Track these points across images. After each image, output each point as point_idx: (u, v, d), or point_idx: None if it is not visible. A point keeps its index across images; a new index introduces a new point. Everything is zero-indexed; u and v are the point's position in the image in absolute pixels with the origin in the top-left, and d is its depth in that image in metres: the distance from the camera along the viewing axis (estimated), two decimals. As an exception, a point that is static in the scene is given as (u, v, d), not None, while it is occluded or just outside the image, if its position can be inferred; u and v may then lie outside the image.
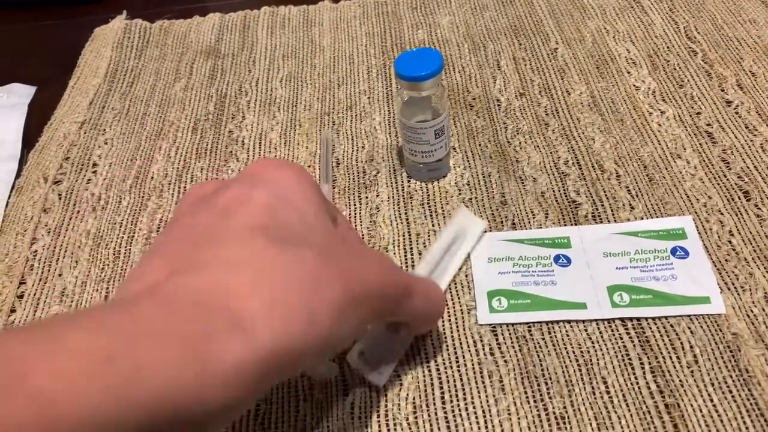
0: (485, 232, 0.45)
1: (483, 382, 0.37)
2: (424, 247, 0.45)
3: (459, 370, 0.38)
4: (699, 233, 0.43)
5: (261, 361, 0.23)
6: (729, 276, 0.40)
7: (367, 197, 0.49)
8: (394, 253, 0.45)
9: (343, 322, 0.26)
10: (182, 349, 0.21)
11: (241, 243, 0.25)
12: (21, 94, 0.63)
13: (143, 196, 0.51)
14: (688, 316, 0.39)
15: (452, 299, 0.41)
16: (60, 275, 0.46)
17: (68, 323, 0.21)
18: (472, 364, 0.38)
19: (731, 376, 0.36)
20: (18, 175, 0.55)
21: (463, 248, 0.43)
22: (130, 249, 0.47)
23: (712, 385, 0.36)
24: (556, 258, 0.42)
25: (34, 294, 0.45)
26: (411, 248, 0.45)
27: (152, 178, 0.53)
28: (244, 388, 0.22)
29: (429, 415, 0.36)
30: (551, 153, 0.50)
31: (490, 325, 0.40)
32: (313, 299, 0.25)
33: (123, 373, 0.20)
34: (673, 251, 0.42)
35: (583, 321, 0.39)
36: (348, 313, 0.27)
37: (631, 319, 0.39)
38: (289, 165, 0.30)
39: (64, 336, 0.20)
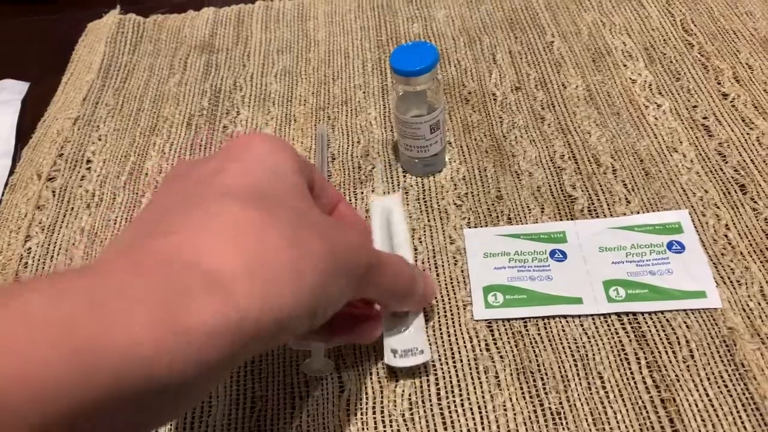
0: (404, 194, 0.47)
1: (479, 378, 0.37)
2: (420, 242, 0.45)
3: (455, 366, 0.38)
4: (695, 227, 0.43)
5: (238, 326, 0.21)
6: (725, 270, 0.40)
7: (362, 192, 0.48)
8: (390, 249, 0.45)
9: (327, 287, 0.25)
10: (151, 311, 0.20)
11: (215, 207, 0.24)
12: (14, 90, 0.63)
13: (137, 193, 0.51)
14: (684, 310, 0.39)
15: (447, 294, 0.41)
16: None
17: (28, 288, 0.20)
18: (468, 360, 0.38)
19: (727, 371, 0.36)
20: (11, 172, 0.55)
21: (397, 224, 0.43)
22: (124, 246, 0.47)
23: (708, 379, 0.36)
24: (552, 253, 0.42)
25: (29, 292, 0.45)
26: (406, 244, 0.45)
27: (146, 174, 0.53)
28: (218, 355, 0.21)
29: (425, 411, 0.36)
30: (547, 147, 0.50)
31: (485, 320, 0.40)
32: (298, 260, 0.23)
33: (85, 339, 0.18)
34: (669, 245, 0.42)
35: (579, 316, 0.39)
36: (332, 279, 0.25)
37: (627, 313, 0.39)
38: (265, 137, 0.29)
39: (23, 301, 0.19)
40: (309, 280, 0.24)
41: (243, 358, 0.23)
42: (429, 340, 0.39)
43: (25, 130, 0.59)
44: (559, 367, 0.37)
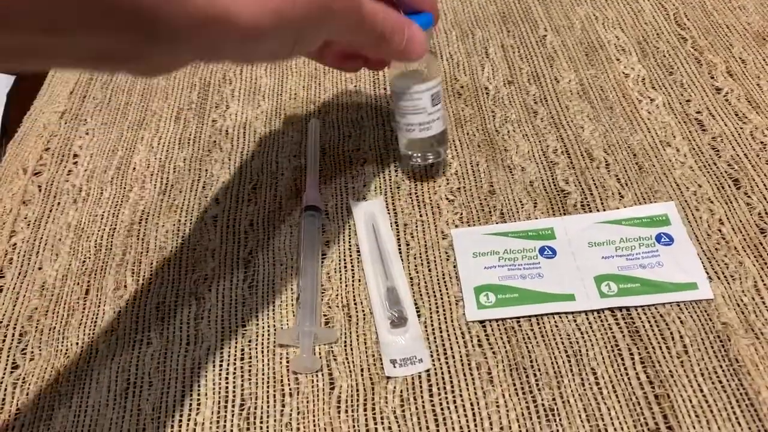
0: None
1: (471, 374, 0.37)
2: (412, 237, 0.44)
3: (447, 362, 0.38)
4: (688, 221, 0.42)
5: None
6: (719, 265, 0.40)
7: (353, 187, 0.48)
8: (381, 244, 0.44)
9: (312, 16, 0.28)
10: None
11: None
12: (-1, 83, 0.62)
13: (125, 188, 0.50)
14: (677, 304, 0.38)
15: (439, 290, 0.41)
16: (40, 268, 0.45)
17: None
18: (460, 356, 0.38)
19: (721, 366, 0.36)
20: (-4, 166, 0.54)
21: (384, 232, 0.44)
22: (111, 241, 0.46)
23: (702, 375, 0.35)
24: (542, 250, 0.42)
25: (14, 288, 0.44)
26: (398, 239, 0.44)
27: (134, 168, 0.52)
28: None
29: (416, 408, 0.36)
30: (540, 142, 0.49)
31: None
32: None
33: None
34: (658, 238, 0.41)
35: (572, 312, 0.39)
36: (317, 11, 0.28)
37: (620, 308, 0.39)
38: None
39: None
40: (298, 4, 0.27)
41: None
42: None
43: (11, 124, 0.58)
44: (552, 363, 0.37)
